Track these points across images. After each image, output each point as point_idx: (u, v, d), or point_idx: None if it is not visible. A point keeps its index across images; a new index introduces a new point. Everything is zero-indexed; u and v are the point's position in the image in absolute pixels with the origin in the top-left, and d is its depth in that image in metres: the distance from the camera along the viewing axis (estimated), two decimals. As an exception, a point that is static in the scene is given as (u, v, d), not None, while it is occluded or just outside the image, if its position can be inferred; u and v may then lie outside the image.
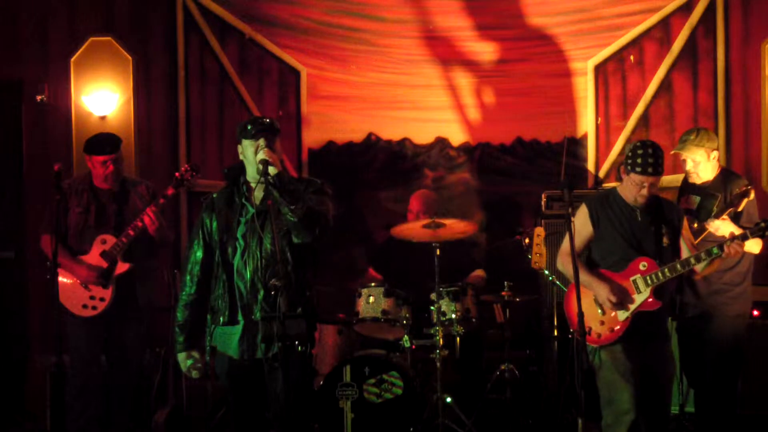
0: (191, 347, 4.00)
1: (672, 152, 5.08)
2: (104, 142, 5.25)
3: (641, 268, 4.18)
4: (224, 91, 6.93)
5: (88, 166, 5.27)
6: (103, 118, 6.59)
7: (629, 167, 4.20)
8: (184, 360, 4.00)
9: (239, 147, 3.99)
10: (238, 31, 6.93)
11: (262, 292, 3.86)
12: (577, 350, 3.82)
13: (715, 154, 4.96)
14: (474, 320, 5.55)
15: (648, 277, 4.16)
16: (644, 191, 4.19)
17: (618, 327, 4.20)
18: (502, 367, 5.75)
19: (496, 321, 5.95)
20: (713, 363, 4.98)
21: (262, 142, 3.87)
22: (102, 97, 6.59)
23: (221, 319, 3.91)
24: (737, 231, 4.40)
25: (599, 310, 4.23)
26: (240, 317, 3.90)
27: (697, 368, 5.13)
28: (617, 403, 4.17)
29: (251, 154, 3.89)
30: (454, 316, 5.45)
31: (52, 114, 6.63)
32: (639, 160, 4.16)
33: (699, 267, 4.26)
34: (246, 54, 6.95)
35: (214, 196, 4.04)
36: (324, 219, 3.87)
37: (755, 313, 5.48)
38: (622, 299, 4.18)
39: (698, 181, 5.01)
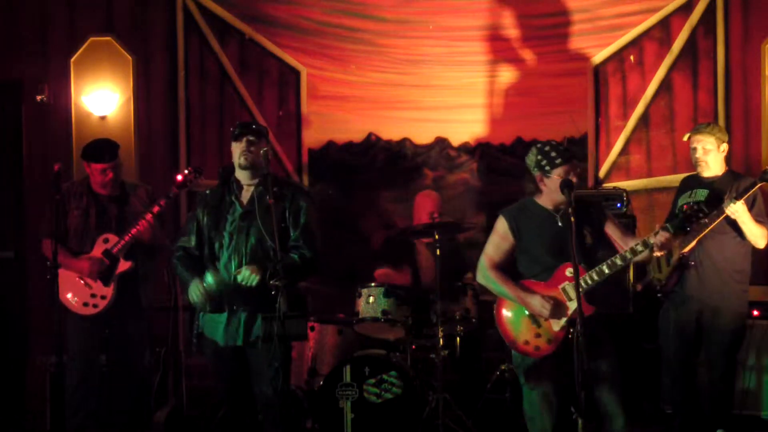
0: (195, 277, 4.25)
1: (684, 137, 5.14)
2: (102, 149, 5.22)
3: (568, 274, 4.08)
4: (224, 91, 6.93)
5: (86, 171, 5.25)
6: (103, 118, 6.58)
7: (548, 167, 4.12)
8: (195, 288, 4.22)
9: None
10: (238, 31, 6.92)
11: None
12: (578, 350, 3.79)
13: (725, 146, 5.01)
14: (474, 320, 5.55)
15: None
16: (574, 179, 4.09)
17: (555, 337, 4.14)
18: (502, 367, 5.75)
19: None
20: (715, 361, 4.97)
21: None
22: (102, 97, 6.58)
23: (207, 307, 4.24)
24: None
25: (533, 323, 4.17)
26: (225, 306, 4.24)
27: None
28: (538, 422, 4.24)
29: (236, 156, 4.30)
30: (454, 316, 5.45)
31: (52, 114, 6.62)
32: (554, 154, 4.13)
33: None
34: (246, 54, 6.95)
35: (207, 192, 4.41)
36: (311, 269, 4.31)
37: (755, 313, 5.47)
38: (555, 309, 4.08)
39: (706, 173, 5.00)
